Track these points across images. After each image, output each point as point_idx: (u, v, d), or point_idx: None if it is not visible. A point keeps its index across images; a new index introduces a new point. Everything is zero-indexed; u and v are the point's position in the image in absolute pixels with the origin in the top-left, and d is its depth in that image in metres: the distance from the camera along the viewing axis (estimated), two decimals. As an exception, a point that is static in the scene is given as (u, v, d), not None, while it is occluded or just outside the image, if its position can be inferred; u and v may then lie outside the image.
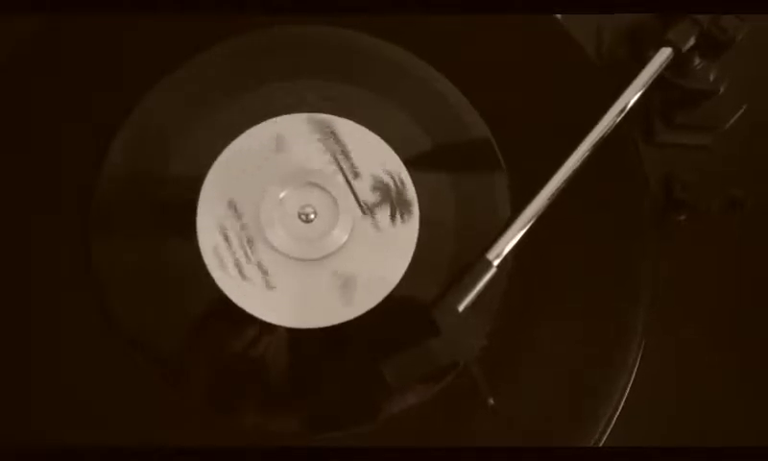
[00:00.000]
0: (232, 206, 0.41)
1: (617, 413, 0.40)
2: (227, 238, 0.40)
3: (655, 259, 0.43)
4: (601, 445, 0.39)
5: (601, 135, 0.41)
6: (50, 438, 0.37)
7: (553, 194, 0.40)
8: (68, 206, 0.41)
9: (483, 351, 0.38)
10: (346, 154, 0.43)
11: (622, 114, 0.41)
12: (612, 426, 0.40)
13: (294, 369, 0.39)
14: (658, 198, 0.45)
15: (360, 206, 0.42)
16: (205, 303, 0.40)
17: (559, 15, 0.48)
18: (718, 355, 0.43)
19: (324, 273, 0.40)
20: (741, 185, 0.43)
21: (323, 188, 0.42)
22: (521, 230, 0.40)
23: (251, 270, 0.40)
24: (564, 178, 0.40)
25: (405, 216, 0.42)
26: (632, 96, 0.42)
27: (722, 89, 0.46)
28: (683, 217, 0.45)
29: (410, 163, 0.43)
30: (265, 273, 0.40)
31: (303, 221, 0.41)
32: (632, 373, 0.41)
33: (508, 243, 0.39)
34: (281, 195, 0.42)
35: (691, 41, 0.43)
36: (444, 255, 0.41)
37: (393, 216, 0.42)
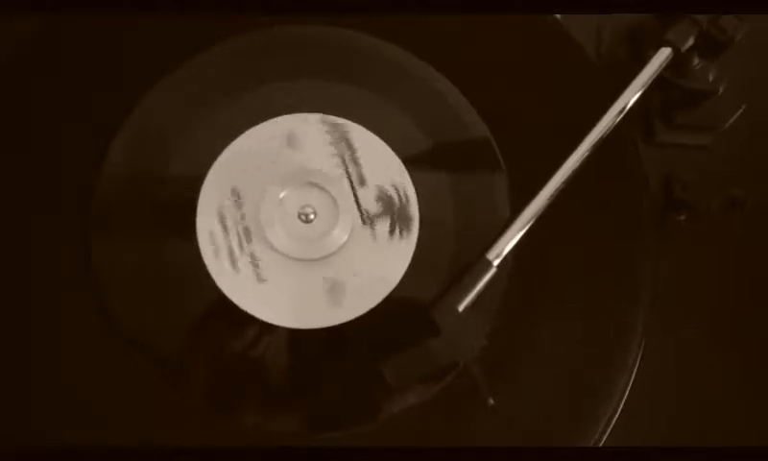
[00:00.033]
0: (236, 193, 0.41)
1: (617, 413, 0.40)
2: (225, 227, 0.40)
3: (655, 259, 0.43)
4: (601, 445, 0.39)
5: (601, 135, 0.41)
6: (50, 438, 0.37)
7: (553, 194, 0.40)
8: (68, 206, 0.41)
9: (483, 351, 0.38)
10: (355, 160, 0.43)
11: (622, 114, 0.41)
12: (612, 426, 0.40)
13: (294, 369, 0.39)
14: (658, 198, 0.45)
15: (361, 213, 0.42)
16: (205, 304, 0.40)
17: (559, 15, 0.48)
18: (718, 355, 0.43)
19: (321, 273, 0.40)
20: (741, 185, 0.43)
21: (323, 189, 0.42)
22: (521, 230, 0.40)
23: (242, 260, 0.40)
24: (564, 178, 0.40)
25: (404, 232, 0.42)
26: (631, 96, 0.42)
27: (721, 89, 0.46)
28: (683, 217, 0.45)
29: (409, 163, 0.43)
30: (256, 265, 0.40)
31: (303, 221, 0.41)
32: (632, 373, 0.41)
33: (508, 243, 0.39)
34: (281, 195, 0.42)
35: (690, 41, 0.43)
36: (443, 255, 0.41)
37: (392, 230, 0.42)
